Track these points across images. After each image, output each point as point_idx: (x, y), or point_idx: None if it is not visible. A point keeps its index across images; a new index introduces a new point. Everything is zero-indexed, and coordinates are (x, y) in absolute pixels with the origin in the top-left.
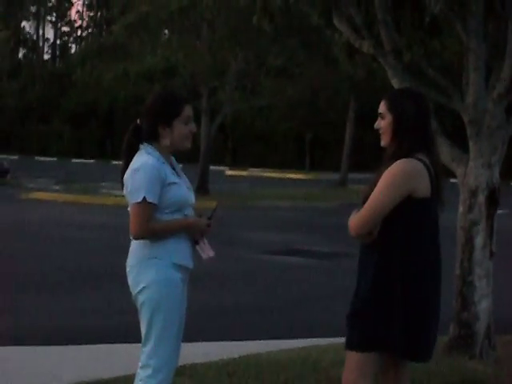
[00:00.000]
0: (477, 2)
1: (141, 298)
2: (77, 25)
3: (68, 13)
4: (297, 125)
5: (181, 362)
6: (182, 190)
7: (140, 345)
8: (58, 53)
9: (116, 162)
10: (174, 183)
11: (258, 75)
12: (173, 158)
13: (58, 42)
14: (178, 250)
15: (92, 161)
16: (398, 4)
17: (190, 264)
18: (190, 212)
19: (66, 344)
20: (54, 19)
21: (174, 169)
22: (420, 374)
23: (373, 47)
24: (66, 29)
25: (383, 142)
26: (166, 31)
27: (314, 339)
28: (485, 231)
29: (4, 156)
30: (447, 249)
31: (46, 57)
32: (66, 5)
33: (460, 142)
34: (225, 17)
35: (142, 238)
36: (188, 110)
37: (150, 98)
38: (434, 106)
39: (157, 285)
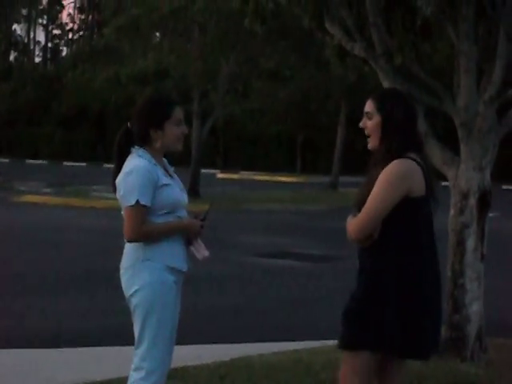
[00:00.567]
0: (468, 4)
1: (134, 301)
2: (68, 28)
3: (59, 16)
4: (288, 128)
5: (173, 365)
6: (175, 191)
7: (133, 347)
8: (49, 56)
9: (107, 165)
10: (167, 185)
11: (250, 78)
12: (165, 160)
13: (50, 44)
14: (172, 253)
15: (83, 164)
16: (389, 7)
17: (183, 267)
18: (183, 213)
19: (59, 346)
20: (45, 22)
21: (166, 170)
22: (412, 377)
23: (364, 50)
24: (57, 32)
25: (371, 145)
26: (158, 34)
27: (306, 342)
28: (476, 234)
29: None
30: (439, 251)
31: (37, 60)
32: (58, 8)
33: (451, 144)
34: (216, 20)
35: (136, 241)
36: (178, 112)
37: (140, 101)
38: (426, 108)
39: (150, 287)
